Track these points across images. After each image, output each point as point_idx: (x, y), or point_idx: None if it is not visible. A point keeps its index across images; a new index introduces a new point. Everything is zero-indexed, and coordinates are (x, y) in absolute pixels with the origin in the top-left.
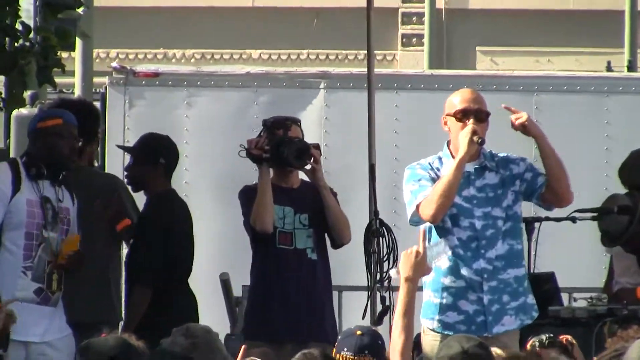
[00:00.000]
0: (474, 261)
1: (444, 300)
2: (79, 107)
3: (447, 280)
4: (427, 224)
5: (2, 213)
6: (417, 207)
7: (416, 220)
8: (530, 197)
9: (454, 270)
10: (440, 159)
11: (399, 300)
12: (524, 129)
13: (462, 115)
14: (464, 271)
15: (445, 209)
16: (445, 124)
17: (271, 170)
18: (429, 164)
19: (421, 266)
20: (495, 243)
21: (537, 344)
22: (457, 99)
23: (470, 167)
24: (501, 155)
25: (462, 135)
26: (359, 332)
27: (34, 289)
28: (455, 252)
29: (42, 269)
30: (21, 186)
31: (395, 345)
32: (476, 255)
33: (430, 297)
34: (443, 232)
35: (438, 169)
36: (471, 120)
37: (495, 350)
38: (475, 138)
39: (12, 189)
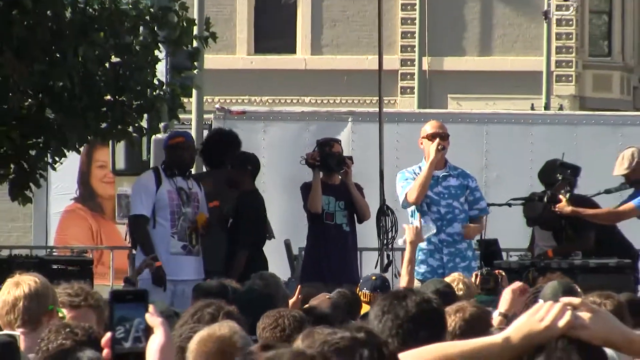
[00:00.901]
0: (439, 234)
1: (419, 257)
2: (230, 136)
3: (423, 244)
4: (412, 208)
5: (152, 201)
6: (405, 195)
7: (405, 205)
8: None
9: (427, 239)
10: (420, 167)
11: (406, 255)
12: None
13: (431, 136)
14: (433, 239)
15: (422, 195)
16: (421, 144)
17: (321, 173)
18: (412, 170)
19: (419, 235)
20: (453, 224)
21: (480, 272)
22: (428, 127)
23: (439, 173)
24: (460, 169)
25: (432, 147)
26: (373, 277)
27: (181, 245)
28: (430, 226)
29: (184, 232)
30: (162, 182)
31: (402, 281)
32: (440, 231)
33: None
34: (422, 213)
35: (417, 173)
36: (437, 139)
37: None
38: (439, 147)
39: (155, 185)
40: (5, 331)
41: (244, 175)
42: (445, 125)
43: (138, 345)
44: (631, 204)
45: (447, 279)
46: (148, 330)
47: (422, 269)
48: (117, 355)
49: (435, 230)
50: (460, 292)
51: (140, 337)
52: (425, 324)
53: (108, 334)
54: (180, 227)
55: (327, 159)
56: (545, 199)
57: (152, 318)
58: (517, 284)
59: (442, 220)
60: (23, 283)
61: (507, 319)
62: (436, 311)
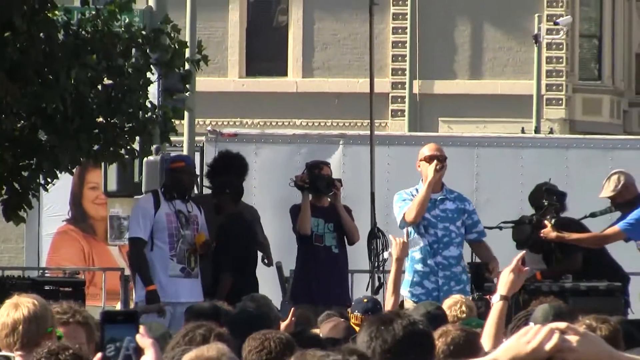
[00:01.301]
0: (435, 256)
1: (414, 279)
2: (238, 159)
3: (419, 266)
4: (410, 228)
5: (150, 224)
6: (404, 215)
7: (402, 225)
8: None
9: (423, 261)
10: (416, 189)
11: (391, 273)
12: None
13: (429, 159)
14: (429, 262)
15: (420, 215)
16: (419, 166)
17: (310, 195)
18: (410, 192)
19: (404, 250)
20: (449, 247)
21: (472, 297)
22: (426, 150)
23: (436, 196)
24: (457, 192)
25: (429, 169)
26: (365, 300)
27: (179, 268)
28: (424, 249)
29: (183, 255)
30: (160, 205)
31: (388, 302)
32: (436, 253)
33: (407, 276)
34: (419, 234)
35: (414, 195)
36: (435, 161)
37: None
38: (437, 167)
39: (154, 208)
40: (2, 352)
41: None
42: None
43: None
44: (616, 228)
45: (449, 300)
46: (139, 350)
47: (417, 291)
48: None
49: (421, 244)
50: (463, 315)
51: (130, 355)
52: (414, 347)
53: (99, 355)
54: (179, 250)
55: (316, 181)
56: (532, 225)
57: (143, 339)
58: (514, 264)
59: (439, 243)
60: (22, 305)
61: (509, 301)
62: (424, 333)
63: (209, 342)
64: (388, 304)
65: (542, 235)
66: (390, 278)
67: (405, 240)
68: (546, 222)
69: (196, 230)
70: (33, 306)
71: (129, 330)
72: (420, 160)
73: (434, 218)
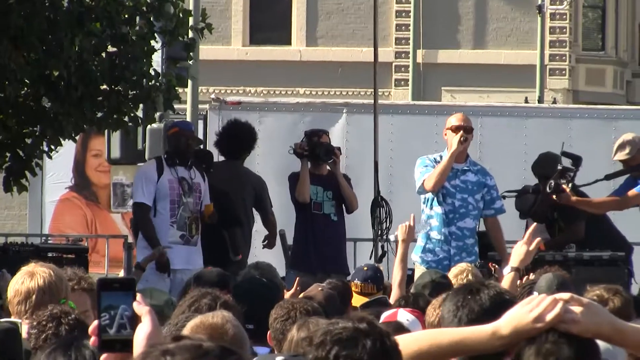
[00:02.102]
0: (449, 226)
1: (428, 245)
2: (245, 127)
3: (433, 234)
4: (428, 195)
5: (154, 190)
6: (423, 182)
7: (421, 191)
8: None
9: (438, 229)
10: (441, 156)
11: (398, 252)
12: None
13: (456, 128)
14: (444, 230)
15: (439, 184)
16: (445, 135)
17: (309, 163)
18: (434, 158)
19: (410, 234)
20: (465, 218)
21: (474, 265)
22: (454, 119)
23: (458, 166)
24: (480, 165)
25: (454, 139)
26: (365, 268)
27: (179, 235)
28: (439, 217)
29: (184, 222)
30: (163, 171)
31: (395, 278)
32: (451, 223)
33: (420, 242)
34: (437, 203)
35: (437, 161)
36: (461, 132)
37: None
38: (462, 139)
39: (157, 174)
40: (10, 319)
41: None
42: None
43: (122, 332)
44: (634, 191)
45: (456, 269)
46: (135, 319)
47: (428, 257)
48: (103, 342)
49: (427, 229)
50: None
51: (125, 324)
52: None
53: (95, 322)
54: (179, 217)
55: (315, 148)
56: (548, 189)
57: (140, 307)
58: (526, 237)
59: (455, 213)
60: (38, 275)
61: (520, 272)
62: (511, 303)
63: (215, 310)
64: (395, 280)
65: (559, 199)
66: (397, 257)
67: (412, 224)
68: (564, 186)
69: (198, 198)
70: (49, 276)
71: (126, 298)
72: (447, 129)
73: (453, 188)
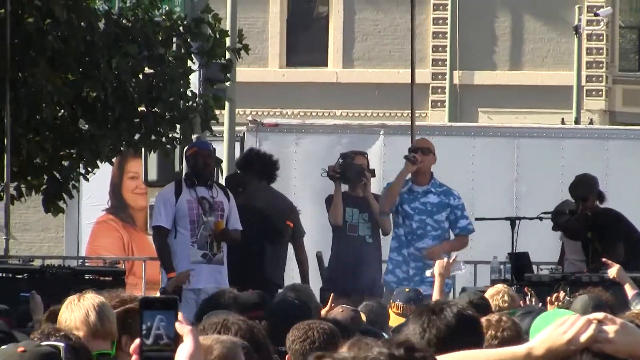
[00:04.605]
0: (408, 247)
1: (389, 267)
2: (265, 157)
3: (393, 255)
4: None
5: (173, 212)
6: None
7: (381, 215)
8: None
9: (397, 250)
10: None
11: (435, 287)
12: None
13: (410, 150)
14: (403, 251)
15: (388, 205)
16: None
17: (343, 185)
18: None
19: (447, 269)
20: (423, 239)
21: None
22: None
23: (420, 188)
24: (446, 187)
25: (405, 158)
26: (407, 290)
27: (201, 254)
28: (400, 239)
29: (204, 241)
30: (182, 192)
31: None
32: (410, 244)
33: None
34: (396, 225)
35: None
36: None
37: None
38: (411, 158)
39: (175, 196)
40: (48, 342)
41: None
42: (430, 141)
43: (159, 342)
44: None
45: (492, 290)
46: (177, 338)
47: (390, 278)
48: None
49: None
50: (505, 304)
51: (161, 334)
52: (467, 333)
53: (137, 341)
54: (200, 236)
55: (346, 170)
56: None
57: (181, 326)
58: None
59: (413, 234)
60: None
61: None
62: (473, 319)
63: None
64: None
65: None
66: (435, 292)
67: (450, 261)
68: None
69: (220, 217)
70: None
71: (168, 317)
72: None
73: (412, 210)
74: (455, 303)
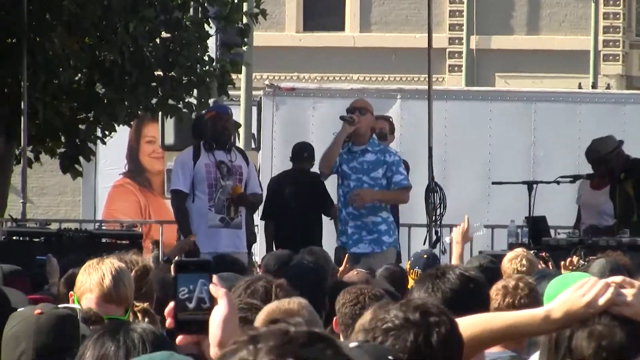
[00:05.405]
0: (347, 207)
1: (339, 227)
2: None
3: (340, 216)
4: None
5: (190, 176)
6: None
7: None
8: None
9: (340, 210)
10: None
11: (454, 253)
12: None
13: (347, 110)
14: (343, 212)
15: (327, 165)
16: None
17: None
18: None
19: (465, 236)
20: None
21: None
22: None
23: (358, 148)
24: (384, 145)
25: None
26: (425, 256)
27: (218, 218)
28: (340, 199)
29: (222, 205)
30: (200, 156)
31: None
32: (347, 204)
33: None
34: (339, 185)
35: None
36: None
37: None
38: (348, 118)
39: (193, 160)
40: (66, 304)
41: None
42: (367, 101)
43: (202, 306)
44: None
45: (511, 254)
46: (212, 299)
47: (340, 239)
48: (179, 323)
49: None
50: (523, 269)
51: (204, 298)
52: (471, 295)
53: (171, 304)
54: (217, 200)
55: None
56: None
57: (216, 288)
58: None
59: (351, 193)
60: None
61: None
62: (475, 281)
63: (270, 294)
64: None
65: None
66: (453, 259)
67: (466, 226)
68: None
69: (238, 181)
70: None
71: (202, 279)
72: None
73: (350, 170)
74: (457, 266)
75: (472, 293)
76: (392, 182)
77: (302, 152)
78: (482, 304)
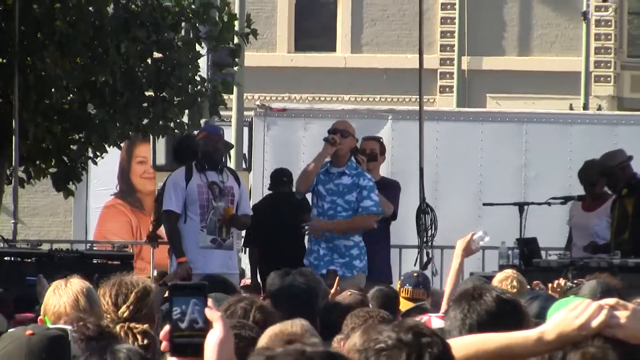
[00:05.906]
0: None
1: (308, 247)
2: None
3: (306, 239)
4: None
5: (183, 197)
6: None
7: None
8: None
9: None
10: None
11: (453, 265)
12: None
13: (329, 132)
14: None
15: (304, 185)
16: None
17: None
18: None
19: (469, 248)
20: (333, 220)
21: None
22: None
23: (335, 170)
24: (361, 169)
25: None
26: (415, 274)
27: (210, 239)
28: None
29: (214, 226)
30: (192, 177)
31: (447, 290)
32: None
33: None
34: (314, 205)
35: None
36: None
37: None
38: (330, 139)
39: (185, 180)
40: (57, 325)
41: None
42: (349, 123)
43: (194, 326)
44: None
45: (501, 275)
46: (208, 322)
47: (306, 261)
48: (175, 346)
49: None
50: (514, 290)
51: (196, 318)
52: (505, 318)
53: (167, 327)
54: (209, 221)
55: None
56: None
57: (212, 312)
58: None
59: (324, 215)
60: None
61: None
62: (511, 303)
63: (249, 316)
64: (447, 292)
65: None
66: (452, 270)
67: (469, 238)
68: None
69: (230, 202)
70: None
71: (195, 300)
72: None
73: (326, 191)
74: (494, 288)
75: (507, 316)
76: (361, 206)
77: (281, 177)
78: (517, 326)
